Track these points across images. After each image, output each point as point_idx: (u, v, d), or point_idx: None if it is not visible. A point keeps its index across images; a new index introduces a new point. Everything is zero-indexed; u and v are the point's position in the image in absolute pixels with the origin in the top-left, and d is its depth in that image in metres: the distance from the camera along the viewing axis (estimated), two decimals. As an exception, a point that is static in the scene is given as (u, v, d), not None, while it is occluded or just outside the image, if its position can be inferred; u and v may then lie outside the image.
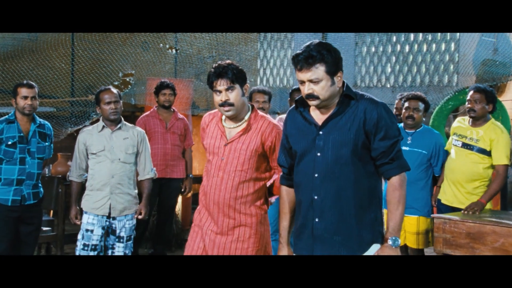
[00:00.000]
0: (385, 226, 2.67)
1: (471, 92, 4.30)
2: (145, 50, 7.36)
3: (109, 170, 4.20)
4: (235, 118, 3.10)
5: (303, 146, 2.65)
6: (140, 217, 4.32)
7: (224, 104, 3.01)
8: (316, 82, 2.54)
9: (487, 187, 4.22)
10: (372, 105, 2.57)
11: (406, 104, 4.52)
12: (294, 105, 2.75)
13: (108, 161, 4.20)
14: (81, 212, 4.29)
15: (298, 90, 5.38)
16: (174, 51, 7.56)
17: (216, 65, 3.07)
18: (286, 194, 2.83)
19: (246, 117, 3.12)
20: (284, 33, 8.74)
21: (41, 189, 4.37)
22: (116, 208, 4.21)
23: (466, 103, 4.34)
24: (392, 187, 2.61)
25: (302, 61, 2.53)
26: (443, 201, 4.40)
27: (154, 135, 5.50)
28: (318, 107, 2.62)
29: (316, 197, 2.61)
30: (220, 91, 3.02)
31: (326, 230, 2.60)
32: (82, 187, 4.40)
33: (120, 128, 4.29)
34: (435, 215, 4.05)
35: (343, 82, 2.62)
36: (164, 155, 5.55)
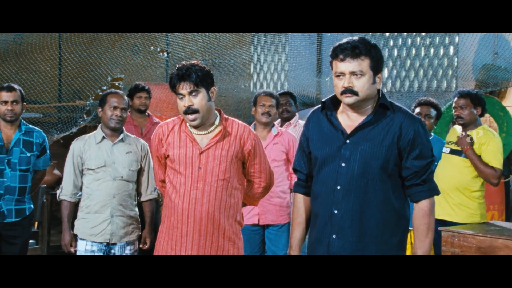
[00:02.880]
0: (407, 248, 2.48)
1: (456, 99, 4.12)
2: (135, 53, 7.10)
3: (110, 189, 3.62)
4: (203, 124, 2.83)
5: (325, 154, 2.42)
6: (146, 247, 3.75)
7: (188, 110, 2.75)
8: (359, 75, 2.32)
9: (478, 200, 4.03)
10: (409, 120, 2.37)
11: (418, 110, 4.24)
12: (319, 106, 2.51)
13: (109, 179, 3.63)
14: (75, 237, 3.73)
15: (264, 95, 4.43)
16: (165, 54, 7.32)
17: (179, 66, 2.80)
18: (302, 203, 2.59)
19: (217, 121, 2.86)
20: (279, 37, 8.54)
21: (29, 205, 3.91)
22: (117, 234, 3.63)
23: (453, 111, 4.15)
24: (422, 212, 2.39)
25: (349, 49, 2.31)
26: None
27: None
28: (351, 106, 2.39)
29: (336, 212, 2.38)
30: (183, 95, 2.76)
31: (343, 249, 2.37)
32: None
33: (122, 140, 3.72)
34: (443, 228, 3.85)
35: (379, 90, 2.41)
36: None
